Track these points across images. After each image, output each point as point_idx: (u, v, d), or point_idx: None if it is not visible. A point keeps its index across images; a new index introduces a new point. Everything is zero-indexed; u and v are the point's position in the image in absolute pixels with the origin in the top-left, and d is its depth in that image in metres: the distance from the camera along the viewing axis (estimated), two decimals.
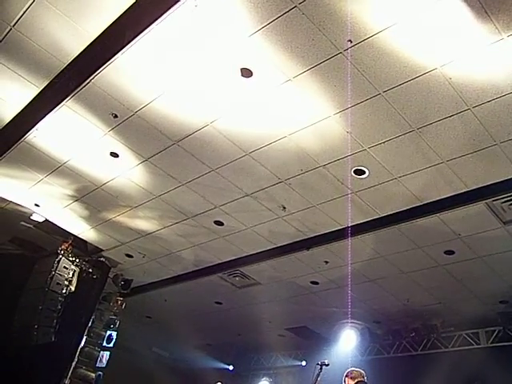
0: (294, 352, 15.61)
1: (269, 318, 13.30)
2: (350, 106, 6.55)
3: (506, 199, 7.84)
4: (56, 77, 6.84)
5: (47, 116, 7.46)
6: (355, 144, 7.22)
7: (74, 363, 11.14)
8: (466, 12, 5.18)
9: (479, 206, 8.03)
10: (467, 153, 7.06)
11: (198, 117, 7.19)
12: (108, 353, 11.89)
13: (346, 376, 7.14)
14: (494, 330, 11.58)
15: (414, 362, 12.42)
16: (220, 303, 13.39)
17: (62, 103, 7.22)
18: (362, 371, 7.25)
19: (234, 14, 5.62)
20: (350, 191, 8.16)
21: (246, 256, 10.77)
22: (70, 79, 6.79)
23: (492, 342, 11.57)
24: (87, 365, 11.42)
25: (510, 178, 7.40)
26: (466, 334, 12.02)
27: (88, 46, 6.32)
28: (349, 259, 9.32)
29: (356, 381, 7.05)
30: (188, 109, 7.08)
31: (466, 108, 6.33)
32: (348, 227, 8.48)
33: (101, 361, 11.67)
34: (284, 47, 5.91)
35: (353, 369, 7.28)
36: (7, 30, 6.25)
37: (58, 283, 10.56)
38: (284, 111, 6.89)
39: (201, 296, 12.92)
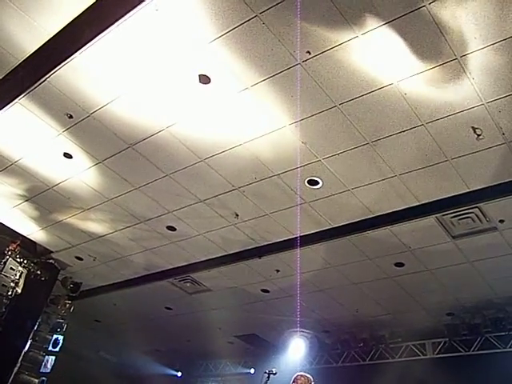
0: (242, 359, 15.57)
1: (218, 325, 13.25)
2: (305, 116, 6.61)
3: (455, 214, 8.03)
4: (9, 73, 6.66)
5: None
6: (310, 154, 7.27)
7: (16, 368, 10.83)
8: (421, 30, 5.30)
9: (429, 220, 8.19)
10: (419, 167, 7.21)
11: (155, 121, 7.13)
12: (53, 357, 11.61)
13: (294, 382, 7.12)
14: (440, 342, 11.80)
15: (362, 371, 12.54)
16: (170, 309, 13.27)
17: (15, 100, 7.02)
18: (310, 377, 7.24)
19: (194, 20, 5.61)
20: (302, 201, 8.21)
21: (197, 262, 10.71)
22: (25, 76, 6.62)
23: (438, 353, 11.79)
24: (31, 370, 11.09)
25: (460, 193, 7.60)
26: (413, 344, 12.21)
27: (44, 44, 6.17)
28: (298, 269, 9.37)
29: None
30: (144, 113, 7.02)
31: (420, 124, 6.47)
32: (297, 237, 8.54)
33: (45, 366, 11.38)
34: (243, 55, 5.92)
35: (301, 373, 7.25)
36: None
37: (3, 285, 10.29)
38: (240, 119, 6.90)
39: (151, 301, 12.79)
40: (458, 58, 5.52)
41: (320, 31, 5.50)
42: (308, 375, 7.26)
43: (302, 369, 10.79)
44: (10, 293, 10.44)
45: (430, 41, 5.40)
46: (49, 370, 11.47)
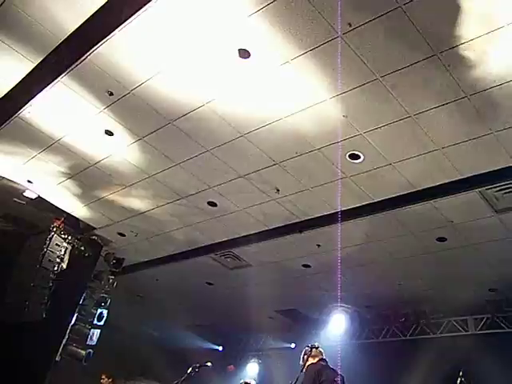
0: (283, 334, 15.64)
1: (259, 300, 13.29)
2: (346, 89, 6.52)
3: (499, 188, 7.87)
4: (51, 52, 6.72)
5: (42, 92, 7.37)
6: (351, 128, 7.19)
7: (64, 340, 11.19)
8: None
9: (473, 194, 8.05)
10: (462, 141, 7.05)
11: (194, 97, 7.14)
12: (98, 331, 11.90)
13: (305, 354, 7.16)
14: (483, 318, 11.70)
15: (403, 347, 12.54)
16: (211, 284, 13.42)
17: (57, 79, 7.13)
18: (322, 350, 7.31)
19: None
20: (343, 175, 8.16)
21: (238, 237, 10.79)
22: (66, 55, 6.70)
23: (480, 330, 11.68)
24: (78, 342, 11.46)
25: (503, 167, 7.42)
26: (455, 320, 12.14)
27: (84, 22, 6.19)
28: (339, 243, 9.33)
29: (318, 359, 7.11)
30: (184, 88, 7.03)
31: (463, 96, 6.31)
32: (339, 212, 8.48)
33: (91, 338, 11.68)
34: (283, 29, 5.85)
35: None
36: (1, 1, 6.08)
37: (49, 260, 10.49)
38: (281, 93, 6.84)
39: (192, 276, 12.94)
40: (505, 25, 5.35)
41: (361, 2, 5.40)
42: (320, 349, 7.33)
43: (342, 344, 10.87)
44: (56, 268, 10.65)
45: (476, 11, 5.24)
46: (94, 343, 11.78)
